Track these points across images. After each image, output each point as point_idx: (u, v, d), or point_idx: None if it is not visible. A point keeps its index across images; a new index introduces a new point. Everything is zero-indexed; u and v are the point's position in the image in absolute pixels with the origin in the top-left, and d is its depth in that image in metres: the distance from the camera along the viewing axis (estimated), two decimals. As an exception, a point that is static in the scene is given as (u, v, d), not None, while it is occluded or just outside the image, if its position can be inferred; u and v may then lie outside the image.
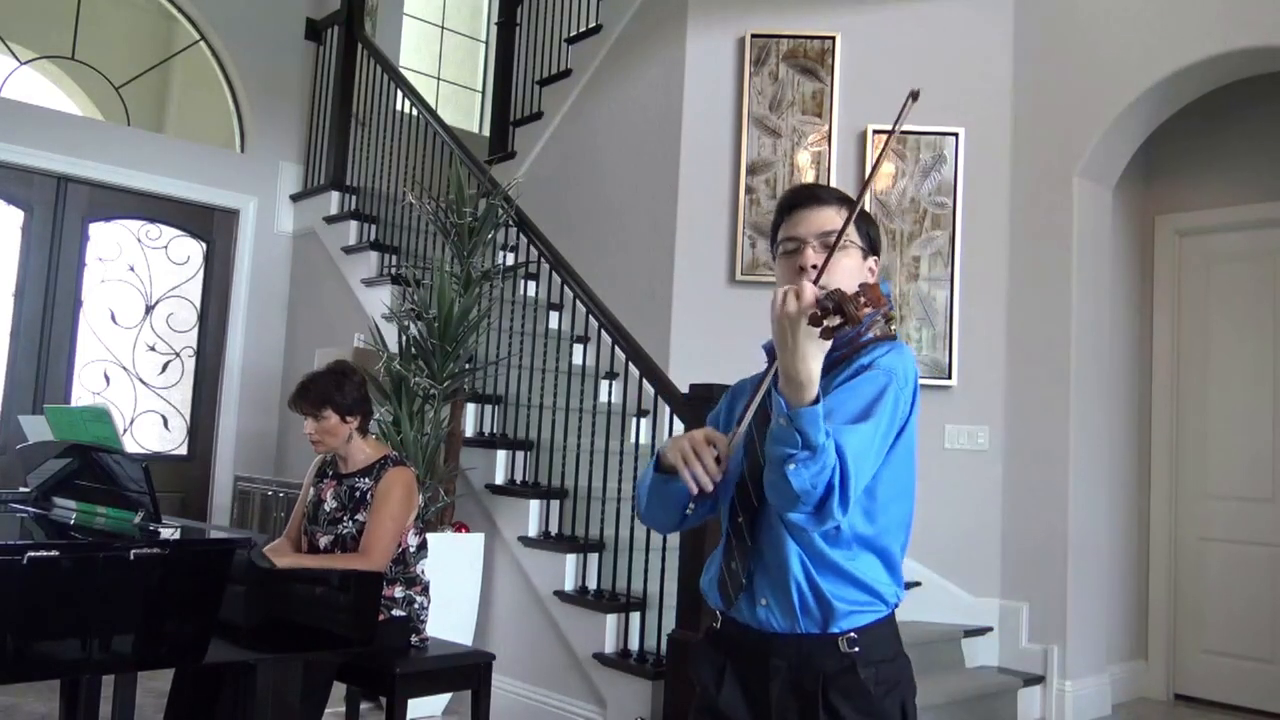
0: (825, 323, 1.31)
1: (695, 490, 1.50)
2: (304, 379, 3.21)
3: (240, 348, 5.92)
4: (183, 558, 2.30)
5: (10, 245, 5.29)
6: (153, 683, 3.82)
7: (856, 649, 1.56)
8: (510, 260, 5.26)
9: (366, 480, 3.13)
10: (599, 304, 4.38)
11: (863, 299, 1.33)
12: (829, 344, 1.37)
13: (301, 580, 2.61)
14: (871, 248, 1.70)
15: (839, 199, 1.68)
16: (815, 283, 1.57)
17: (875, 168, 1.72)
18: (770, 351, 1.66)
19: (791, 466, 1.39)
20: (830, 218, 1.64)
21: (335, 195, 5.81)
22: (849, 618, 1.56)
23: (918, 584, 4.38)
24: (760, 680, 1.60)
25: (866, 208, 1.72)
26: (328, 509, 3.15)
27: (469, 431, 4.43)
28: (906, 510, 1.63)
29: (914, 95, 1.55)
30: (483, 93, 7.84)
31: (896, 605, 1.62)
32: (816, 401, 1.38)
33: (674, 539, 3.56)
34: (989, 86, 4.83)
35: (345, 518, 3.11)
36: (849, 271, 1.62)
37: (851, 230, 1.63)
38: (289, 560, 3.06)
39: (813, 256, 1.61)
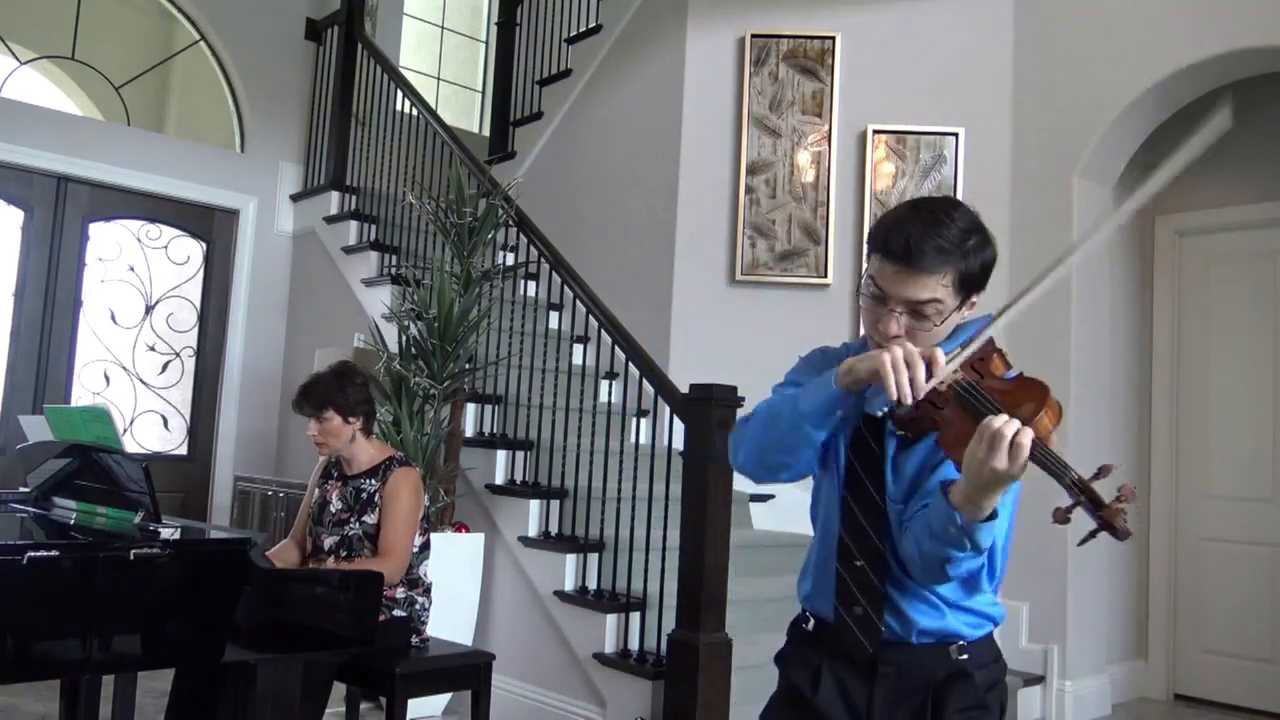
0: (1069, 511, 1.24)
1: (895, 399, 1.35)
2: (306, 380, 3.21)
3: (240, 348, 5.92)
4: (184, 557, 2.30)
5: (10, 245, 5.29)
6: (153, 683, 3.82)
7: (965, 656, 1.57)
8: (510, 260, 5.26)
9: (373, 482, 3.13)
10: (599, 304, 4.37)
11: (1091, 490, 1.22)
12: None
13: (301, 580, 2.61)
14: (971, 287, 1.50)
15: (941, 264, 1.45)
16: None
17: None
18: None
19: (950, 565, 1.40)
20: (928, 287, 1.45)
21: (335, 195, 5.81)
22: (961, 635, 1.58)
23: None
24: (863, 684, 1.58)
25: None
26: (333, 510, 3.15)
27: (469, 431, 4.42)
28: (1008, 536, 1.57)
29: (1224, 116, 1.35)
30: (483, 93, 7.84)
31: (1000, 622, 1.64)
32: (994, 516, 1.35)
33: (674, 539, 3.57)
34: (989, 86, 4.83)
35: (351, 519, 3.11)
36: (941, 334, 1.51)
37: (944, 292, 1.46)
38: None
39: (895, 328, 1.47)
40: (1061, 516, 1.23)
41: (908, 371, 1.35)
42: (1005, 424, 1.27)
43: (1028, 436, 1.26)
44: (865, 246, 1.61)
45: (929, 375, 1.36)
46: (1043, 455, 1.25)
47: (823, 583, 1.62)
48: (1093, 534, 1.22)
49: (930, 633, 1.56)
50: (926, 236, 1.45)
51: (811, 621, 1.66)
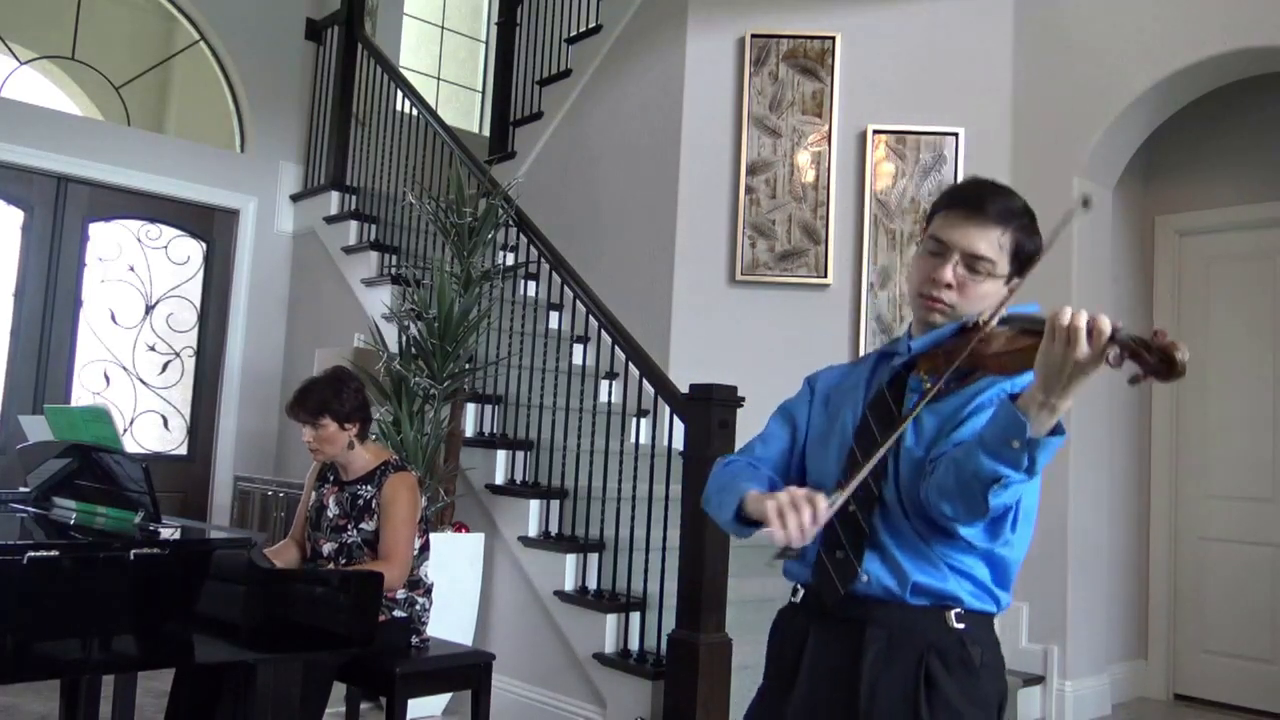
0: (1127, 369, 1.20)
1: (782, 546, 1.39)
2: (301, 386, 3.18)
3: (240, 348, 5.92)
4: (184, 557, 2.30)
5: (10, 245, 5.29)
6: (153, 683, 3.82)
7: (963, 625, 1.51)
8: (510, 260, 5.26)
9: (369, 488, 3.13)
10: (599, 304, 4.38)
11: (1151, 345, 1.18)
12: None
13: (301, 580, 2.61)
14: (1021, 268, 1.56)
15: (1004, 220, 1.54)
16: (946, 298, 1.53)
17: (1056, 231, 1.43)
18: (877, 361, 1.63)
19: (998, 486, 1.33)
20: (990, 241, 1.53)
21: (335, 195, 5.81)
22: (960, 601, 1.52)
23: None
24: (852, 649, 1.52)
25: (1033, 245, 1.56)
26: (330, 516, 3.15)
27: (469, 431, 4.43)
28: (1031, 528, 1.54)
29: (1086, 202, 1.38)
30: (483, 93, 7.84)
31: (1002, 611, 1.58)
32: (1058, 431, 1.30)
33: (674, 539, 3.57)
34: (989, 86, 4.83)
35: (349, 526, 3.10)
36: (985, 298, 1.53)
37: (998, 254, 1.54)
38: None
39: (950, 275, 1.54)
40: (1117, 360, 1.21)
41: (795, 516, 1.38)
42: (1076, 314, 1.25)
43: (1103, 318, 1.22)
44: (925, 222, 1.64)
45: (813, 518, 1.38)
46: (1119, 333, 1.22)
47: (811, 544, 1.60)
48: (1142, 375, 1.21)
49: (926, 591, 1.50)
50: (996, 194, 1.57)
51: (800, 592, 1.63)
